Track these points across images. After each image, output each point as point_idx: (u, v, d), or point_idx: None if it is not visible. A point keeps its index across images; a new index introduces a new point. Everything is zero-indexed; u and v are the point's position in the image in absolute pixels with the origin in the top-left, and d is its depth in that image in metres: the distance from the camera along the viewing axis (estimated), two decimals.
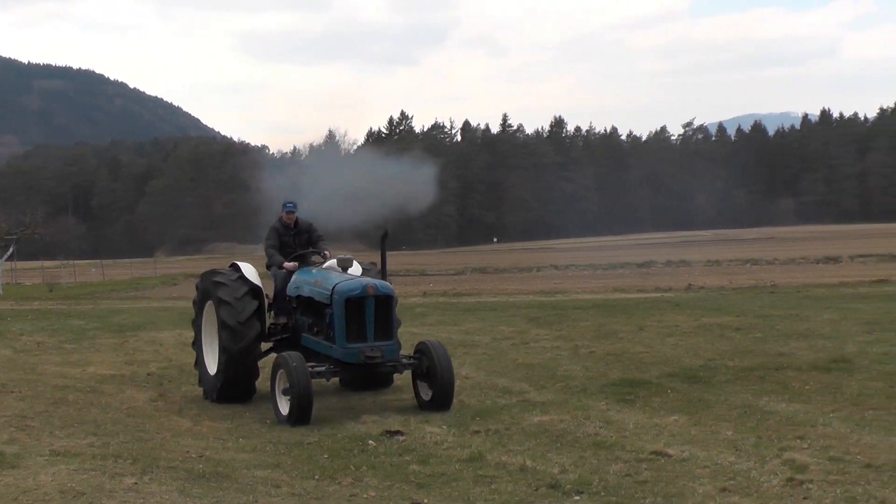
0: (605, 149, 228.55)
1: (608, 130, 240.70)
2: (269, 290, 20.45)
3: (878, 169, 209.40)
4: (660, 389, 19.31)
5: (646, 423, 16.27)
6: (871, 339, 25.07)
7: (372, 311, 17.96)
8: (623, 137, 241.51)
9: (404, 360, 18.52)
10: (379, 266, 20.06)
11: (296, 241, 20.75)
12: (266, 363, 20.08)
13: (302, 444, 15.77)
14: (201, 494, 12.29)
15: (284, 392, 17.28)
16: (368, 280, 18.36)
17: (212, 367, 20.13)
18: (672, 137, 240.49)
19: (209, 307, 20.38)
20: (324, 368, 17.95)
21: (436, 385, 18.07)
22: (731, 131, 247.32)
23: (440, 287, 59.40)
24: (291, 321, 20.02)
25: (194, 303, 21.00)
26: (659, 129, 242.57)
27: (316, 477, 13.60)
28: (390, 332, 18.22)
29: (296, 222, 20.79)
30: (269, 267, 20.57)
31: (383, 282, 18.48)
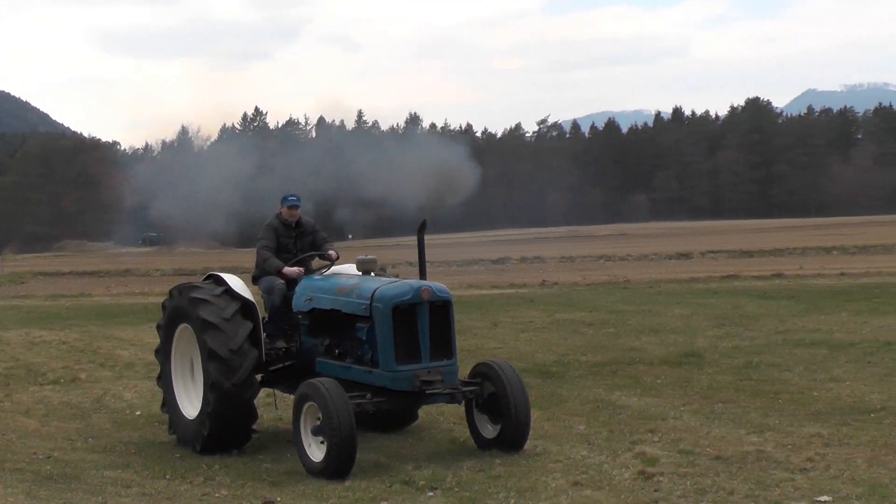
0: (460, 145, 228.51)
1: (463, 127, 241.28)
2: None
3: (728, 166, 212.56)
4: None
5: None
6: (721, 334, 25.50)
7: (426, 323, 13.94)
8: (478, 134, 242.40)
9: (461, 387, 14.42)
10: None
11: (297, 244, 16.42)
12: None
13: (153, 443, 15.60)
14: (49, 497, 12.08)
15: (316, 432, 13.42)
16: (420, 282, 14.32)
17: (189, 409, 15.69)
18: (527, 135, 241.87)
19: (183, 332, 15.87)
20: (366, 399, 13.92)
21: (507, 419, 14.14)
22: (585, 129, 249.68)
23: None
24: (294, 344, 15.78)
25: (159, 327, 16.42)
26: (514, 126, 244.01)
27: (167, 477, 13.47)
28: (450, 349, 14.20)
29: (298, 221, 16.52)
30: (257, 279, 16.35)
31: (438, 284, 14.36)
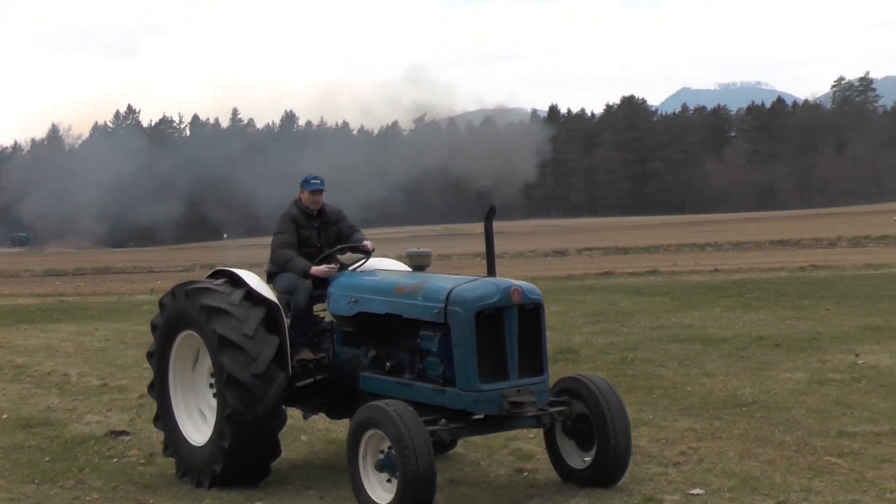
0: (338, 142, 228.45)
1: (339, 125, 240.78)
2: None
3: (603, 164, 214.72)
4: None
5: None
6: (597, 330, 25.69)
7: (515, 330, 11.33)
8: (355, 133, 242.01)
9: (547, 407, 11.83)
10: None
11: (322, 236, 13.91)
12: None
13: (21, 447, 15.23)
14: None
15: (381, 466, 11.01)
16: (506, 280, 11.61)
17: (193, 433, 13.23)
18: (403, 132, 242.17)
19: (187, 341, 13.31)
20: (440, 425, 11.21)
21: (603, 446, 11.67)
22: (462, 126, 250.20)
23: (168, 284, 58.21)
24: (326, 355, 13.15)
25: (154, 327, 13.64)
26: (391, 123, 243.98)
27: (36, 481, 13.21)
28: (541, 363, 11.60)
29: (322, 208, 13.98)
30: (272, 276, 13.69)
31: (527, 283, 11.71)
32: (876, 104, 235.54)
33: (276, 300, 12.81)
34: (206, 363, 13.16)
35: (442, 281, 11.91)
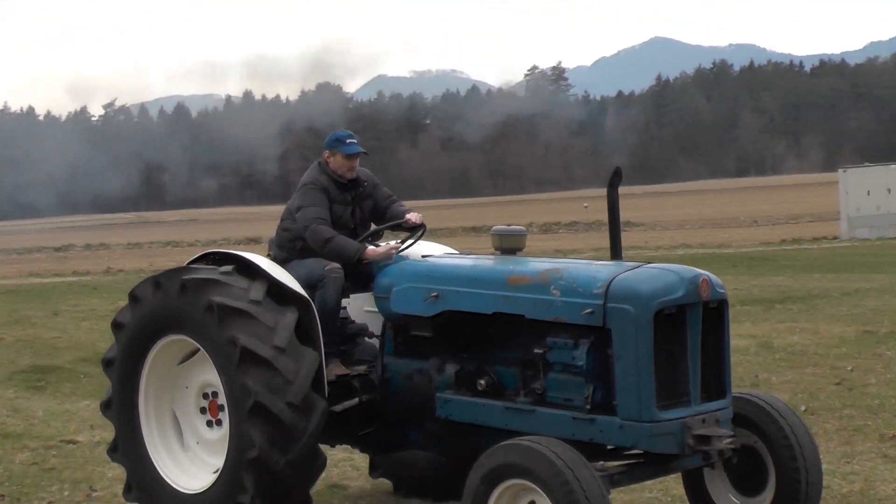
0: (18, 129, 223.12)
1: (24, 110, 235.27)
2: None
3: (297, 150, 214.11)
4: (72, 375, 19.11)
5: (56, 410, 16.06)
6: None
7: (698, 337, 8.28)
8: (41, 118, 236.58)
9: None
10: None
11: (356, 211, 10.38)
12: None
13: None
14: None
15: None
16: (693, 269, 8.41)
17: (182, 476, 9.72)
18: (93, 118, 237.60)
19: (169, 350, 9.79)
20: (600, 469, 7.86)
21: (788, 492, 8.64)
22: (154, 112, 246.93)
23: None
24: (373, 370, 9.85)
25: (119, 326, 10.03)
26: (80, 108, 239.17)
27: None
28: (725, 382, 8.52)
29: (356, 177, 10.38)
30: (281, 263, 9.96)
31: (709, 273, 8.46)
32: (568, 93, 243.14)
33: (302, 292, 9.47)
34: (197, 380, 9.88)
35: (588, 268, 8.80)
